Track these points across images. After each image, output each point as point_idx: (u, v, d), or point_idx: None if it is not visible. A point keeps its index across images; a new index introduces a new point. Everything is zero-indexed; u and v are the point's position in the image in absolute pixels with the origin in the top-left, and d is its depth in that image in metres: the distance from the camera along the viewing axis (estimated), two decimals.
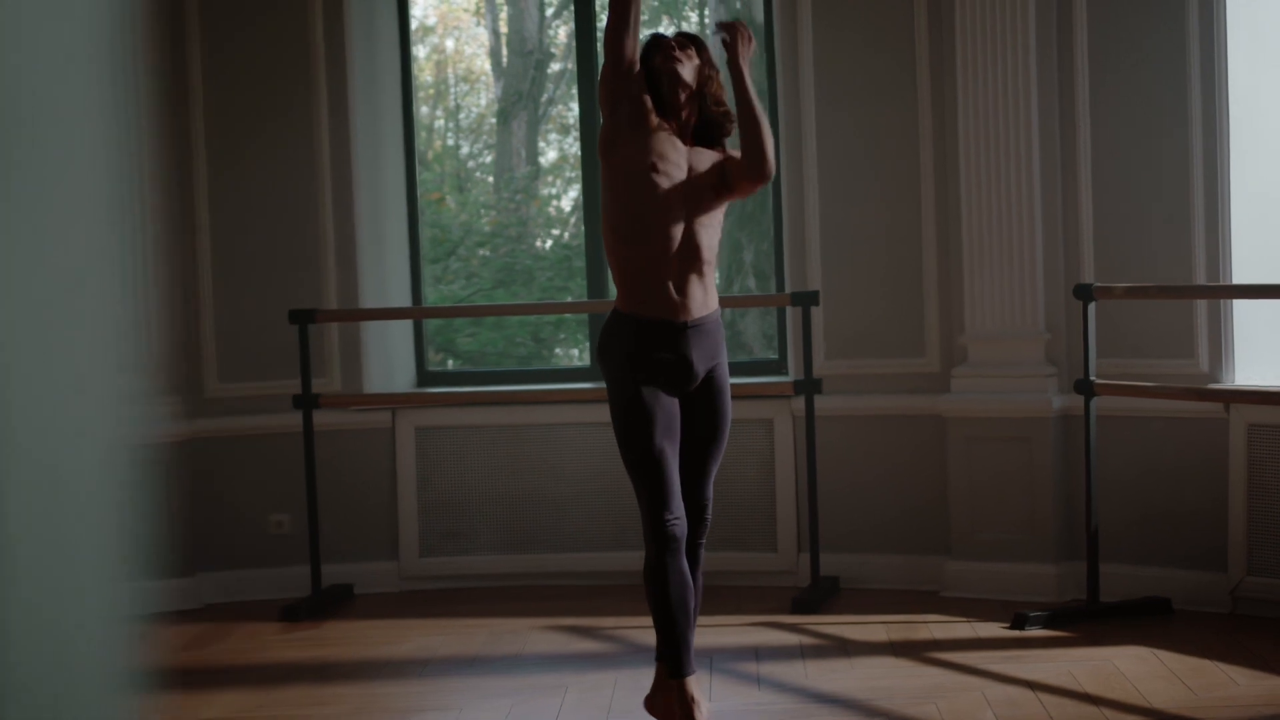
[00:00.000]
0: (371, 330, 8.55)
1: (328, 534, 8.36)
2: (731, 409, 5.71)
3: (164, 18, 8.31)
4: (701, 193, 5.54)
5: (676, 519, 5.41)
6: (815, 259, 8.17)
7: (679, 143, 5.60)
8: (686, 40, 5.69)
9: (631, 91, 5.56)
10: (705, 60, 5.69)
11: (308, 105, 8.42)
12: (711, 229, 5.57)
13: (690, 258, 5.50)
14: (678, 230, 5.48)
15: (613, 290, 7.29)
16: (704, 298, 5.55)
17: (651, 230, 5.47)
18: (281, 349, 8.32)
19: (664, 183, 5.49)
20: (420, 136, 9.85)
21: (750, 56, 5.53)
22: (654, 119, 5.59)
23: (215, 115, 8.42)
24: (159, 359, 8.28)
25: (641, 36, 5.64)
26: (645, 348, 5.49)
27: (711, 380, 5.62)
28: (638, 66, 5.58)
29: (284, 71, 8.45)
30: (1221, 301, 7.41)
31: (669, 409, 5.49)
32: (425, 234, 9.46)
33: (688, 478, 5.59)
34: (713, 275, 5.60)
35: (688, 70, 5.61)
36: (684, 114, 5.63)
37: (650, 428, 5.43)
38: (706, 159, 5.62)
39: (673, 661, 5.46)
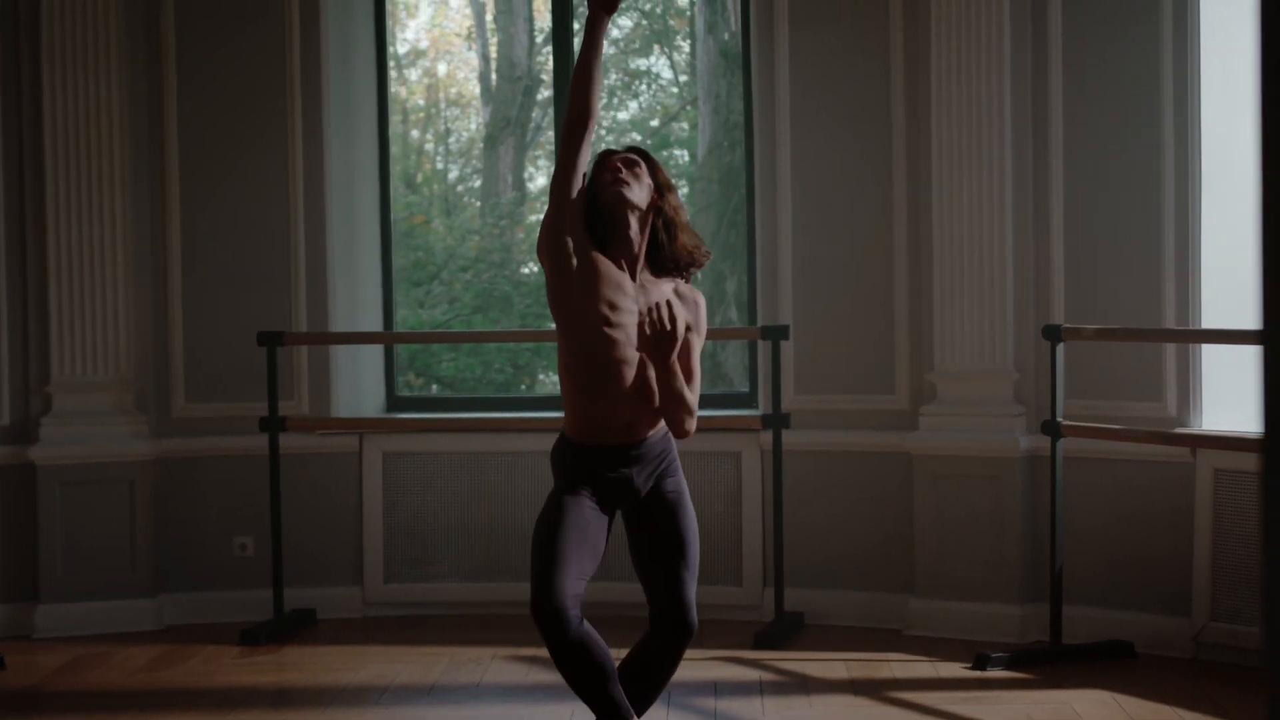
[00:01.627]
0: (341, 354, 8.53)
1: (291, 558, 8.31)
2: (694, 519, 5.41)
3: (140, 37, 8.30)
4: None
5: (555, 598, 5.10)
6: (787, 293, 8.15)
7: (627, 283, 5.27)
8: (634, 158, 5.35)
9: (575, 232, 5.23)
10: (658, 179, 5.34)
11: (282, 127, 8.40)
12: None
13: (645, 398, 5.26)
14: (634, 376, 5.25)
15: None
16: (651, 425, 5.32)
17: (607, 382, 5.23)
18: (250, 371, 8.29)
19: (618, 335, 5.21)
20: (410, 160, 9.85)
21: (674, 347, 5.13)
22: (599, 262, 5.25)
23: (189, 136, 8.40)
24: (126, 377, 8.25)
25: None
26: (582, 465, 5.29)
27: (661, 493, 5.35)
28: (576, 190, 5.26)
29: (259, 92, 8.43)
30: (1190, 346, 7.38)
31: (589, 519, 5.24)
32: (409, 257, 9.44)
33: (661, 589, 5.33)
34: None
35: (636, 193, 5.29)
36: (634, 246, 5.30)
37: (559, 527, 5.20)
38: (662, 296, 5.30)
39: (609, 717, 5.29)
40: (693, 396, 5.25)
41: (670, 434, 5.36)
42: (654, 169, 5.36)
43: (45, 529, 8.15)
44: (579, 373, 5.25)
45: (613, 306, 5.22)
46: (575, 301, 5.23)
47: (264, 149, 8.43)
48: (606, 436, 5.28)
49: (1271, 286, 2.06)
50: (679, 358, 5.23)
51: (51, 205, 8.14)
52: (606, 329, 5.20)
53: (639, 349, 5.21)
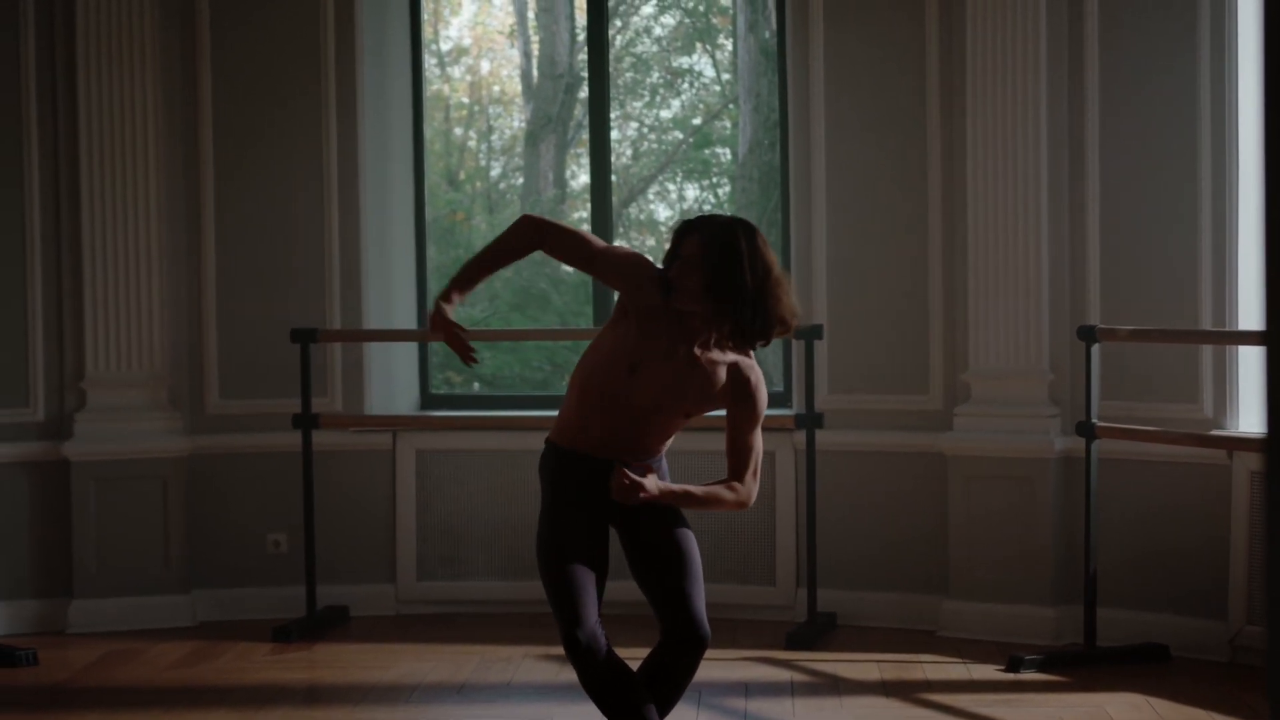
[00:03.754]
0: (375, 351, 8.53)
1: (325, 555, 8.31)
2: (690, 534, 5.30)
3: (174, 33, 8.31)
4: (673, 406, 5.17)
5: (585, 631, 5.10)
6: (821, 292, 8.11)
7: (678, 353, 5.15)
8: (685, 233, 5.16)
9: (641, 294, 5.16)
10: (711, 261, 5.07)
11: (316, 124, 8.40)
12: (669, 431, 5.25)
13: (640, 442, 5.20)
14: (630, 421, 5.18)
15: None
16: (640, 447, 5.23)
17: (604, 413, 5.18)
18: (283, 367, 8.30)
19: (635, 388, 5.14)
20: (453, 157, 9.83)
21: (653, 489, 5.04)
22: (653, 322, 5.15)
23: (223, 132, 8.41)
24: (161, 374, 8.27)
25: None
26: (568, 476, 5.25)
27: (648, 510, 5.23)
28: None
29: (293, 88, 8.44)
30: (1227, 347, 7.33)
31: (587, 534, 5.22)
32: (451, 254, 9.43)
33: (667, 607, 5.23)
34: (664, 440, 5.28)
35: (690, 282, 5.09)
36: (697, 325, 5.15)
37: (557, 551, 5.19)
38: (705, 386, 5.17)
39: None
40: (743, 489, 5.18)
41: (663, 457, 5.33)
42: (707, 242, 5.09)
43: (79, 525, 8.17)
44: (586, 388, 5.21)
45: (640, 365, 5.14)
46: (616, 330, 5.19)
47: (298, 145, 8.44)
48: (592, 450, 5.22)
49: (1275, 288, 2.04)
50: (737, 438, 5.20)
51: (86, 202, 8.16)
52: (626, 380, 5.13)
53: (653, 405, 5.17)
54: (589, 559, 5.19)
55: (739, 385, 5.19)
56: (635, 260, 5.20)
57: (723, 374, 5.17)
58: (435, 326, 5.29)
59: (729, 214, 5.42)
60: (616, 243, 6.45)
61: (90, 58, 8.14)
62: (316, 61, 8.42)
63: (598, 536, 5.26)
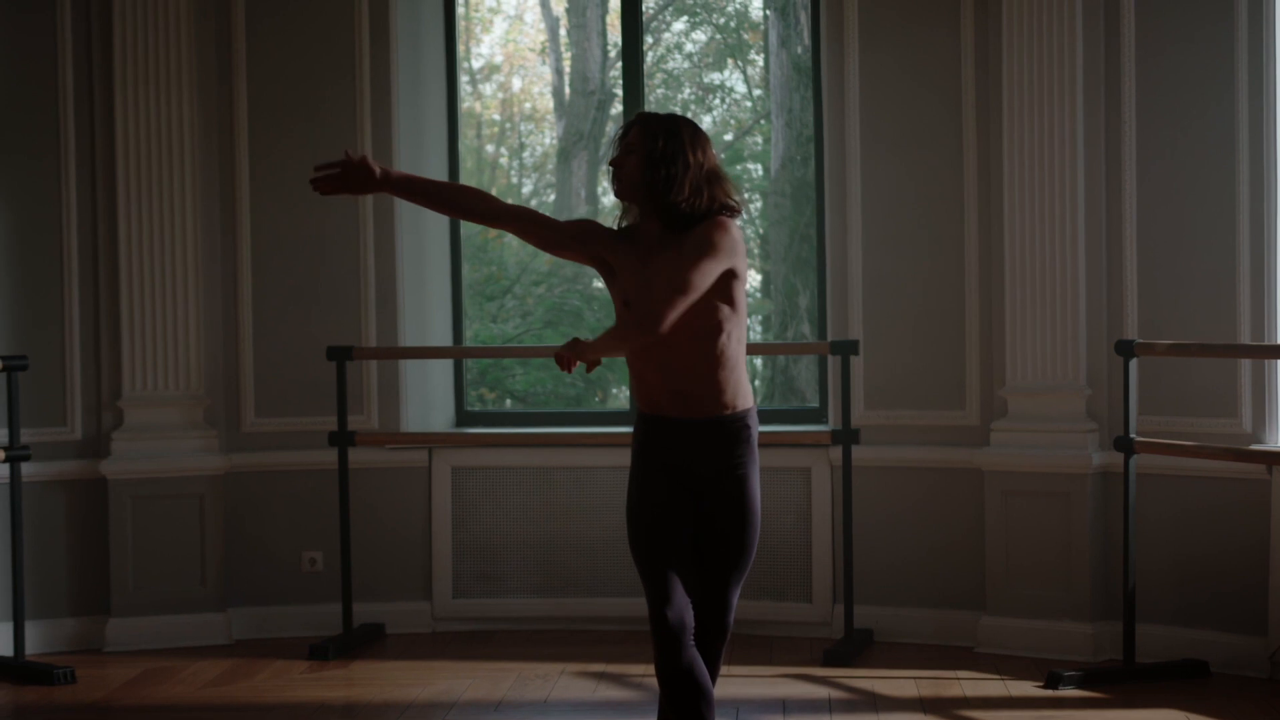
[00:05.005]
0: (410, 368, 8.53)
1: (360, 572, 8.33)
2: (754, 515, 5.27)
3: (210, 53, 8.33)
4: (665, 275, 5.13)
5: (674, 614, 5.11)
6: (857, 307, 8.10)
7: (639, 261, 5.19)
8: (628, 145, 5.22)
9: (600, 247, 5.27)
10: (652, 140, 5.17)
11: (352, 142, 8.41)
12: (703, 338, 5.16)
13: (689, 368, 5.17)
14: (664, 351, 5.16)
15: None
16: (713, 399, 5.19)
17: (643, 358, 5.20)
18: (319, 385, 8.31)
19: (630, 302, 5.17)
20: (484, 174, 9.84)
21: (586, 352, 4.97)
22: (620, 259, 5.21)
23: (259, 151, 8.43)
24: (197, 393, 8.29)
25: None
26: (650, 442, 5.26)
27: (721, 485, 5.24)
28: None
29: (329, 106, 8.45)
30: (1266, 361, 7.29)
31: (671, 505, 5.21)
32: (483, 272, 9.44)
33: (704, 582, 5.26)
34: (729, 376, 5.19)
35: (624, 186, 5.20)
36: (638, 212, 5.22)
37: (646, 524, 5.19)
38: (680, 248, 5.14)
39: None
40: (645, 309, 5.04)
41: (749, 416, 5.26)
42: (648, 134, 5.18)
43: (116, 543, 8.19)
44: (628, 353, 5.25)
45: (627, 291, 5.17)
46: (608, 285, 5.28)
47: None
48: (665, 409, 5.22)
49: None
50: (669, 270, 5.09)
51: (124, 222, 8.19)
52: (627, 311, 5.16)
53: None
54: (676, 530, 5.18)
55: (703, 226, 5.15)
56: (596, 224, 5.32)
57: (696, 230, 5.14)
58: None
59: None
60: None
61: (127, 79, 8.17)
62: (351, 80, 8.43)
63: (682, 502, 5.23)
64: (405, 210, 8.47)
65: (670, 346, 5.12)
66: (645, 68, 8.84)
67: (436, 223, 8.74)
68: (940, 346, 8.03)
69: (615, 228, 5.30)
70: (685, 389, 5.18)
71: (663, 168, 5.12)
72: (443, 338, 8.78)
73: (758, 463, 5.30)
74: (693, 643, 5.15)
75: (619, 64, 9.96)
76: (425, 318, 8.66)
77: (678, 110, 10.25)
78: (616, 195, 5.22)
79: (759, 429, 5.32)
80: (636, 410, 5.36)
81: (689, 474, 5.23)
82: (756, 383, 9.69)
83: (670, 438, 5.22)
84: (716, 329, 5.13)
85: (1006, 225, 7.75)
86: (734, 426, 5.23)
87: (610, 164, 5.22)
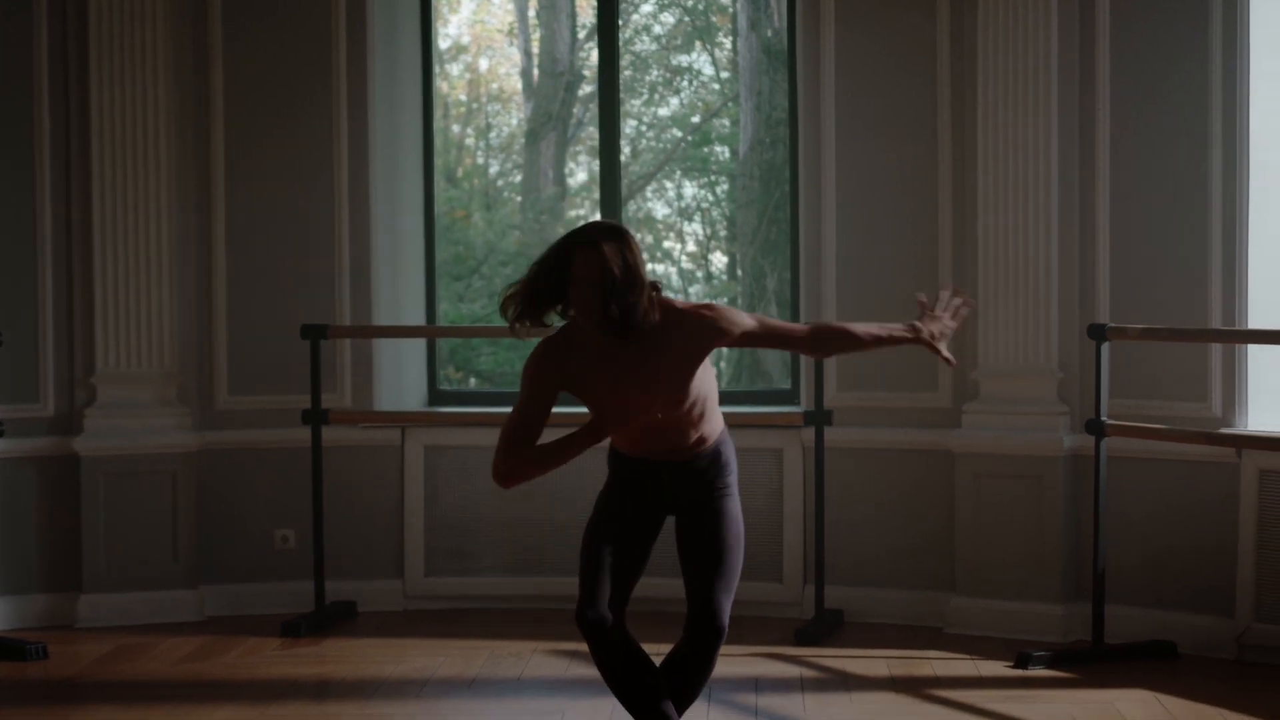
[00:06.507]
0: (384, 347, 8.54)
1: (333, 551, 8.34)
2: (738, 526, 5.35)
3: (186, 32, 8.32)
4: (668, 386, 5.13)
5: (594, 613, 5.18)
6: (830, 290, 8.13)
7: (615, 359, 5.08)
8: (570, 255, 5.00)
9: (556, 378, 5.12)
10: (608, 274, 4.94)
11: (327, 121, 8.41)
12: (691, 402, 5.18)
13: (673, 430, 5.20)
14: (656, 427, 5.18)
15: None
16: (696, 443, 5.26)
17: (639, 442, 5.24)
18: (293, 364, 8.31)
19: (622, 416, 5.11)
20: (450, 154, 9.84)
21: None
22: (586, 375, 5.10)
23: (234, 130, 8.42)
24: (170, 370, 8.28)
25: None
26: (628, 471, 5.31)
27: (707, 500, 5.31)
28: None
29: (305, 86, 8.45)
30: (1236, 346, 7.35)
31: (637, 521, 5.28)
32: (449, 251, 9.44)
33: (693, 591, 5.30)
34: (709, 419, 5.26)
35: (586, 293, 4.98)
36: (607, 323, 5.00)
37: (604, 534, 5.25)
38: (653, 352, 5.09)
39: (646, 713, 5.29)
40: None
41: (724, 443, 5.32)
42: (602, 265, 4.97)
43: (88, 520, 8.18)
44: (621, 435, 5.26)
45: (611, 405, 5.10)
46: (600, 409, 5.12)
47: (309, 143, 8.45)
48: (646, 454, 5.28)
49: None
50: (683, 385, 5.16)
51: (98, 199, 8.18)
52: (616, 419, 5.10)
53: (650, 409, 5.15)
54: (624, 547, 5.24)
55: (705, 326, 5.13)
56: (536, 369, 5.12)
57: (685, 328, 5.11)
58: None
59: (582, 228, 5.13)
60: None
61: (102, 56, 8.15)
62: (328, 60, 8.43)
63: (643, 527, 5.30)
64: (380, 188, 8.47)
65: (673, 425, 5.21)
66: (618, 48, 8.85)
67: (412, 201, 8.75)
68: None
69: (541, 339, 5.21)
70: (669, 444, 5.25)
71: (627, 296, 4.96)
72: (416, 317, 8.79)
73: (736, 475, 5.41)
74: (620, 629, 5.22)
75: (589, 45, 9.97)
76: (399, 297, 8.66)
77: (645, 92, 10.28)
78: (572, 323, 5.09)
79: (732, 442, 5.42)
80: (612, 446, 5.36)
81: (669, 498, 5.31)
82: (722, 364, 9.71)
83: (653, 473, 5.30)
84: (703, 398, 5.24)
85: (980, 208, 7.79)
86: (714, 456, 5.32)
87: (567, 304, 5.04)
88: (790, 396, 8.53)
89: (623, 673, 5.26)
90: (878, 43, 8.09)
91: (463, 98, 10.71)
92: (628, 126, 8.89)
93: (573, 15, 10.30)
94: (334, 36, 8.42)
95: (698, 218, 10.58)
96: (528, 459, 5.10)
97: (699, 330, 5.12)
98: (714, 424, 5.32)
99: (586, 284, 4.94)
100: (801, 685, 6.94)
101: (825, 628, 7.80)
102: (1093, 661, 7.21)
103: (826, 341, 5.41)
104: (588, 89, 10.21)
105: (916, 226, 8.05)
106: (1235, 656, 7.27)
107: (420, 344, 8.87)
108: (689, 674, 5.35)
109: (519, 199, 10.80)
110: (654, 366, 5.09)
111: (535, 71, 10.54)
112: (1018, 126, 7.69)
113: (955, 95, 7.94)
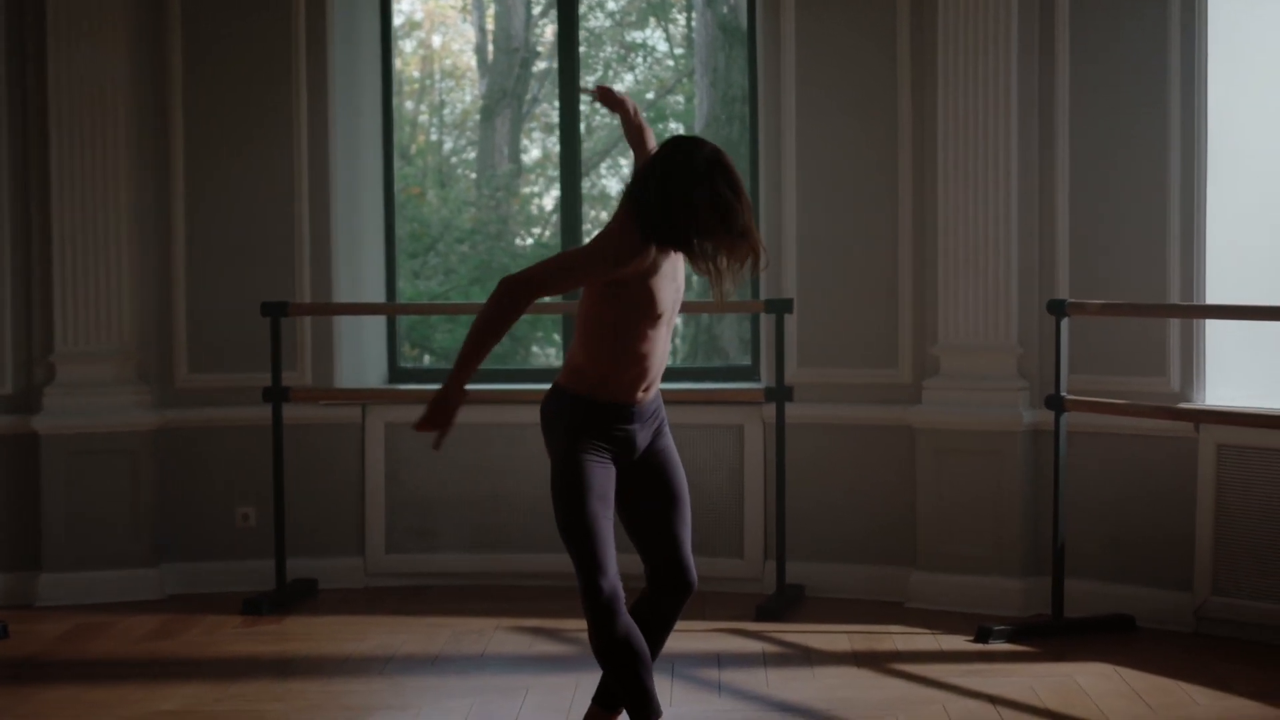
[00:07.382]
0: (344, 325, 8.53)
1: (294, 528, 8.32)
2: (685, 476, 5.38)
3: (145, 8, 8.29)
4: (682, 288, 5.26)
5: (609, 583, 5.10)
6: (791, 266, 8.15)
7: (664, 253, 5.13)
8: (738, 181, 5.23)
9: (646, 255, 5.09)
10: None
11: (287, 98, 8.39)
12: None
13: (665, 353, 5.25)
14: (668, 348, 5.26)
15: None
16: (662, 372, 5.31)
17: (649, 359, 5.17)
18: (253, 341, 8.29)
19: (665, 328, 5.17)
20: (404, 131, 9.82)
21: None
22: (660, 260, 5.12)
23: (193, 106, 8.39)
24: (130, 348, 8.26)
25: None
26: (591, 424, 5.18)
27: (656, 449, 5.31)
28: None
29: (264, 63, 8.42)
30: (1194, 321, 7.40)
31: (609, 480, 5.19)
32: (405, 229, 9.43)
33: (659, 549, 5.29)
34: None
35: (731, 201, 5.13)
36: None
37: (585, 495, 5.13)
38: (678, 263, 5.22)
39: (640, 711, 5.21)
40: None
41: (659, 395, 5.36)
42: None
43: (48, 498, 8.16)
44: (641, 340, 5.12)
45: (666, 295, 5.13)
46: (656, 292, 5.09)
47: (268, 120, 8.43)
48: (626, 396, 5.19)
49: None
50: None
51: (56, 176, 8.14)
52: (660, 321, 5.12)
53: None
54: (608, 510, 5.17)
55: None
56: (641, 238, 5.07)
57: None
58: (442, 420, 5.15)
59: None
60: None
61: (60, 32, 8.10)
62: (288, 36, 8.40)
63: (615, 487, 5.25)
64: (340, 165, 8.46)
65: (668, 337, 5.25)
66: (577, 24, 8.85)
67: (371, 179, 8.74)
68: (874, 305, 8.09)
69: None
70: (660, 370, 5.25)
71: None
72: (376, 294, 8.78)
73: None
74: (625, 610, 5.16)
75: (543, 21, 9.96)
76: (359, 274, 8.65)
77: (600, 68, 10.27)
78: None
79: None
80: (567, 394, 5.21)
81: (633, 446, 5.25)
82: (678, 341, 9.73)
83: (626, 420, 5.21)
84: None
85: (940, 184, 7.81)
86: (658, 400, 5.35)
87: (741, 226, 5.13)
88: (750, 373, 8.55)
89: (624, 660, 5.14)
90: (838, 19, 8.10)
91: (416, 74, 10.69)
92: (583, 104, 8.88)
93: None
94: (293, 12, 8.39)
95: None
96: (511, 310, 5.01)
97: None
98: None
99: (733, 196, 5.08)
100: (764, 660, 6.97)
101: (786, 603, 7.83)
102: (1052, 635, 7.26)
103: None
104: (542, 65, 10.20)
105: (877, 203, 8.08)
106: (1193, 629, 7.33)
107: (380, 321, 8.86)
108: (656, 633, 5.36)
109: (473, 175, 10.79)
110: (675, 266, 5.14)
111: (490, 48, 10.52)
112: (978, 104, 7.72)
113: (916, 71, 7.96)
